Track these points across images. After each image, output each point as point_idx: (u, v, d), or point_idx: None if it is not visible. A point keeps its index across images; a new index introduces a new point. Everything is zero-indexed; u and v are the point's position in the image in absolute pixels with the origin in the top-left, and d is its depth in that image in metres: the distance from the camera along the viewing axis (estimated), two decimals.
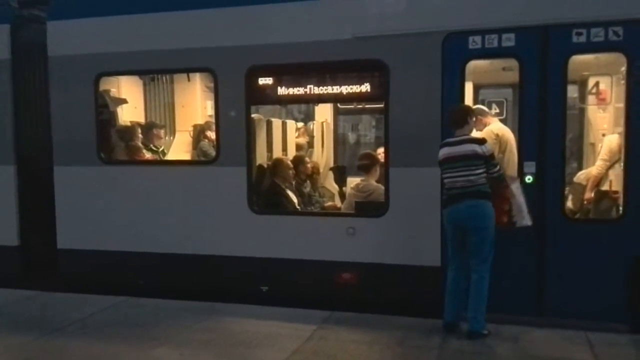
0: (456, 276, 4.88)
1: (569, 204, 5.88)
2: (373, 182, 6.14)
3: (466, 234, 4.75)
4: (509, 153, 5.91)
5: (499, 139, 6.02)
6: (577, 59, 5.12)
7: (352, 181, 6.77)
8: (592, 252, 4.97)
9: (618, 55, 5.06)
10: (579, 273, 5.01)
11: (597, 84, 6.24)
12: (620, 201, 5.17)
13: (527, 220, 4.81)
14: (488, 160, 4.70)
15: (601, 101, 6.36)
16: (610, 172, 5.68)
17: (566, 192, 5.44)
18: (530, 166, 5.08)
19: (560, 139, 5.03)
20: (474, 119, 5.05)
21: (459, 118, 4.83)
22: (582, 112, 6.86)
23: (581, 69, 5.97)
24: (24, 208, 6.69)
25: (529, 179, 5.08)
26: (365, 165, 6.24)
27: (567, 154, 5.47)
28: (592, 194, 5.82)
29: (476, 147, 4.69)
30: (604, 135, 6.18)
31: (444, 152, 4.78)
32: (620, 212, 5.12)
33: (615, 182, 5.60)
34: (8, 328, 5.19)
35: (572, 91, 6.35)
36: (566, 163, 5.31)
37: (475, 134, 6.27)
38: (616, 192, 5.55)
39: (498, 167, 4.79)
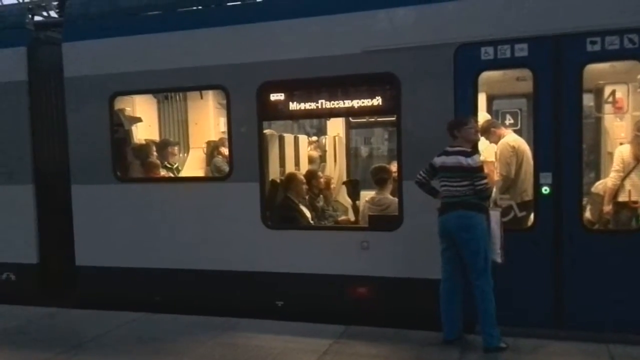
0: (448, 288, 4.83)
1: (587, 214, 5.79)
2: (389, 195, 6.13)
3: (458, 247, 4.72)
4: (526, 164, 5.84)
5: (515, 150, 5.96)
6: (592, 68, 5.07)
7: (365, 195, 6.74)
8: (611, 263, 4.87)
9: (634, 63, 5.01)
10: (599, 284, 4.91)
11: (613, 93, 6.16)
12: None
13: (497, 257, 4.68)
14: (474, 173, 4.64)
15: (618, 110, 6.27)
16: (628, 181, 5.58)
17: (584, 202, 5.36)
18: (546, 177, 5.02)
19: (576, 149, 4.96)
20: (463, 132, 4.84)
21: (449, 132, 4.83)
22: (598, 121, 6.77)
23: (596, 78, 5.90)
24: (43, 226, 6.79)
25: (545, 189, 5.01)
26: (381, 179, 6.23)
27: (585, 164, 5.39)
28: (611, 207, 5.72)
29: (461, 159, 4.65)
30: (621, 144, 6.09)
31: (441, 160, 4.78)
32: None
33: (634, 191, 5.50)
34: (29, 345, 5.24)
35: (588, 100, 6.27)
36: (584, 173, 5.23)
37: (489, 146, 6.26)
38: (635, 202, 5.45)
39: (484, 180, 4.70)
